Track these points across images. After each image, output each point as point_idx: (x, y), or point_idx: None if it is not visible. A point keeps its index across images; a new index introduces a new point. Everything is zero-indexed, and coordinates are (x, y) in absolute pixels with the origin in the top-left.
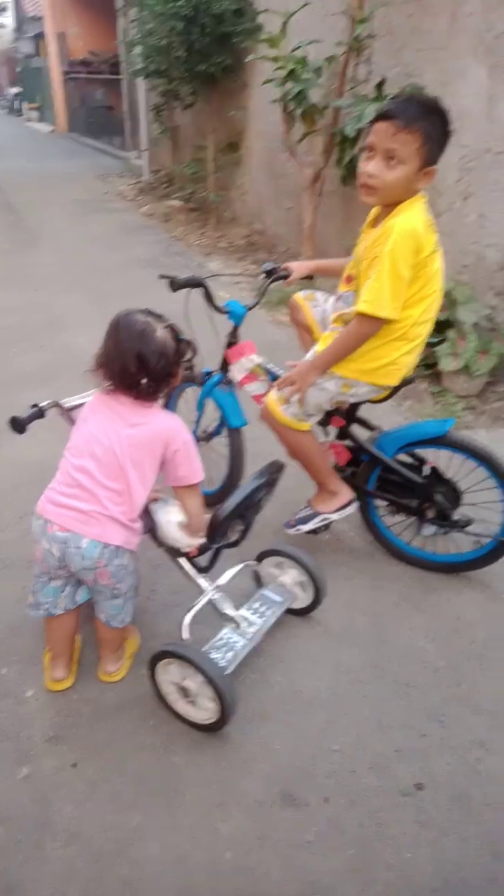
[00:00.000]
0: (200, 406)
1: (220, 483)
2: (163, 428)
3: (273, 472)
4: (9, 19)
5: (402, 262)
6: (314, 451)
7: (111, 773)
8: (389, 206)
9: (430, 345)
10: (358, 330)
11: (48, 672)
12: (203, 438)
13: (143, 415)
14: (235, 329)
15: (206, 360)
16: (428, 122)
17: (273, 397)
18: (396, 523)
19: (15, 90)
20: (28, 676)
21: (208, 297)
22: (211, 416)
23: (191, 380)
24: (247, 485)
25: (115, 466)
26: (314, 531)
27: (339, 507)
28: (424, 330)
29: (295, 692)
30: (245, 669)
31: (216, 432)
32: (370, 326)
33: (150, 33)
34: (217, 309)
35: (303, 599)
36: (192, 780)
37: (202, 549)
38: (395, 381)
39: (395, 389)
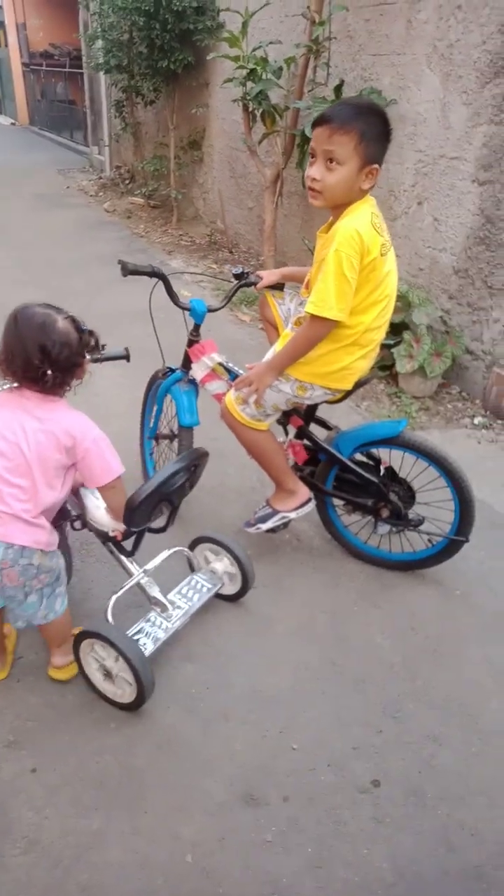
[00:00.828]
0: (159, 401)
1: None
2: (69, 425)
3: (194, 459)
4: None
5: (346, 263)
6: (272, 451)
7: (71, 778)
8: (339, 209)
9: (386, 346)
10: (308, 332)
11: None
12: (166, 436)
13: (50, 409)
14: (197, 327)
15: (171, 357)
16: (363, 121)
17: (231, 397)
18: (353, 522)
19: None
20: None
21: (169, 292)
22: (173, 414)
23: (156, 377)
24: (164, 469)
25: (22, 463)
26: (273, 530)
27: (297, 506)
28: (377, 336)
29: (256, 691)
30: (206, 670)
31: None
32: (320, 328)
33: (111, 27)
34: (179, 305)
35: (232, 586)
36: (154, 783)
37: (126, 534)
38: (348, 385)
39: (350, 391)
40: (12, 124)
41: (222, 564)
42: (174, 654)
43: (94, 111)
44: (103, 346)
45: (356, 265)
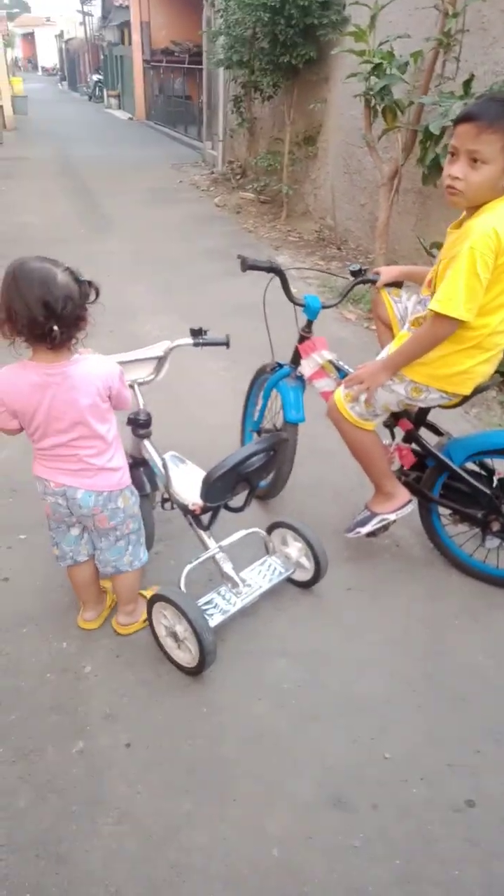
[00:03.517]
0: (266, 396)
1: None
2: (93, 370)
3: (274, 442)
4: (96, 8)
5: (480, 261)
6: (375, 452)
7: (164, 758)
8: (474, 208)
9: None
10: (431, 331)
11: (81, 614)
12: (269, 431)
13: (65, 364)
14: (310, 324)
15: (280, 352)
16: None
17: (341, 394)
18: (459, 533)
19: (97, 77)
20: (87, 652)
21: (285, 287)
22: (278, 409)
23: (265, 371)
24: (241, 449)
25: (82, 428)
26: (373, 534)
27: (396, 508)
28: (502, 339)
29: (347, 695)
30: (298, 667)
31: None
32: (444, 327)
33: (236, 24)
34: (293, 301)
35: (304, 573)
36: (242, 775)
37: (204, 509)
38: (467, 390)
39: (468, 397)
40: (129, 119)
41: (297, 551)
42: (268, 646)
43: (211, 106)
44: (206, 331)
45: (490, 264)
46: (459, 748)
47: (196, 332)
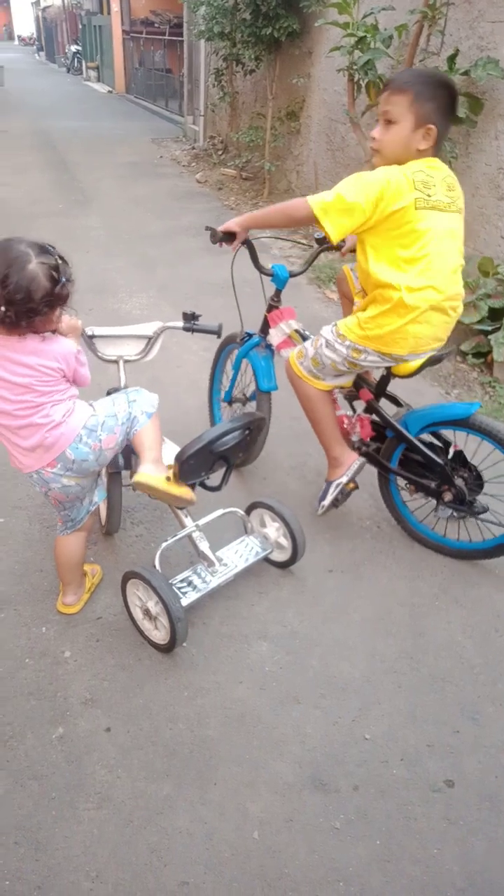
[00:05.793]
0: (237, 366)
1: None
2: (55, 356)
3: (249, 422)
4: None
5: (363, 177)
6: (324, 412)
7: (144, 742)
8: None
9: (484, 333)
10: (289, 202)
11: (60, 597)
12: (239, 400)
13: (23, 347)
14: (278, 293)
15: (250, 322)
16: (419, 83)
17: (294, 352)
18: (418, 508)
19: (75, 48)
20: (66, 636)
21: (253, 257)
22: (249, 379)
23: (232, 341)
24: (216, 427)
25: (35, 394)
26: (335, 503)
27: (345, 470)
28: (424, 297)
29: (329, 677)
30: (280, 650)
31: (253, 397)
32: (299, 207)
33: None
34: (261, 270)
35: (282, 554)
36: (224, 756)
37: None
38: (402, 351)
39: (423, 367)
40: (109, 92)
41: (275, 531)
42: (250, 629)
43: (192, 80)
44: (198, 316)
45: (369, 190)
46: (439, 728)
47: (188, 317)
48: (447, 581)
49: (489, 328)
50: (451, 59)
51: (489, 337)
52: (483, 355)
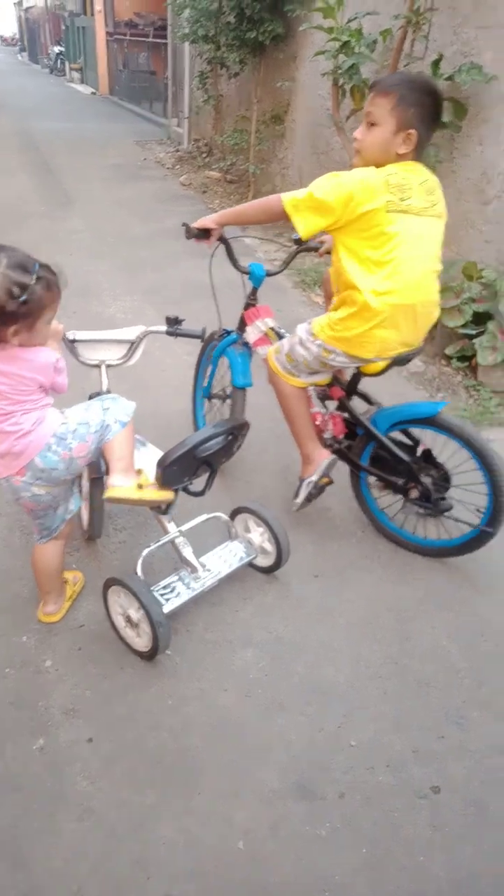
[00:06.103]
0: (214, 363)
1: None
2: (35, 368)
3: (232, 427)
4: None
5: (340, 176)
6: (298, 410)
7: (127, 751)
8: None
9: (469, 337)
10: (265, 199)
11: (41, 607)
12: (218, 396)
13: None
14: (254, 291)
15: (230, 320)
16: (404, 87)
17: (271, 349)
18: (388, 505)
19: (58, 49)
20: (47, 646)
21: (230, 255)
22: (228, 378)
23: (210, 339)
24: (199, 432)
25: (7, 402)
26: (308, 500)
27: (316, 469)
28: (390, 302)
29: (314, 683)
30: (265, 656)
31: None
32: (272, 203)
33: None
34: (238, 268)
35: (266, 559)
36: (208, 764)
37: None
38: (367, 354)
39: (389, 366)
40: (93, 94)
41: (259, 536)
42: (234, 635)
43: (176, 83)
44: (182, 320)
45: (341, 190)
46: (424, 734)
47: (172, 321)
48: (433, 585)
49: (473, 332)
50: (436, 65)
51: (473, 341)
52: (468, 359)
